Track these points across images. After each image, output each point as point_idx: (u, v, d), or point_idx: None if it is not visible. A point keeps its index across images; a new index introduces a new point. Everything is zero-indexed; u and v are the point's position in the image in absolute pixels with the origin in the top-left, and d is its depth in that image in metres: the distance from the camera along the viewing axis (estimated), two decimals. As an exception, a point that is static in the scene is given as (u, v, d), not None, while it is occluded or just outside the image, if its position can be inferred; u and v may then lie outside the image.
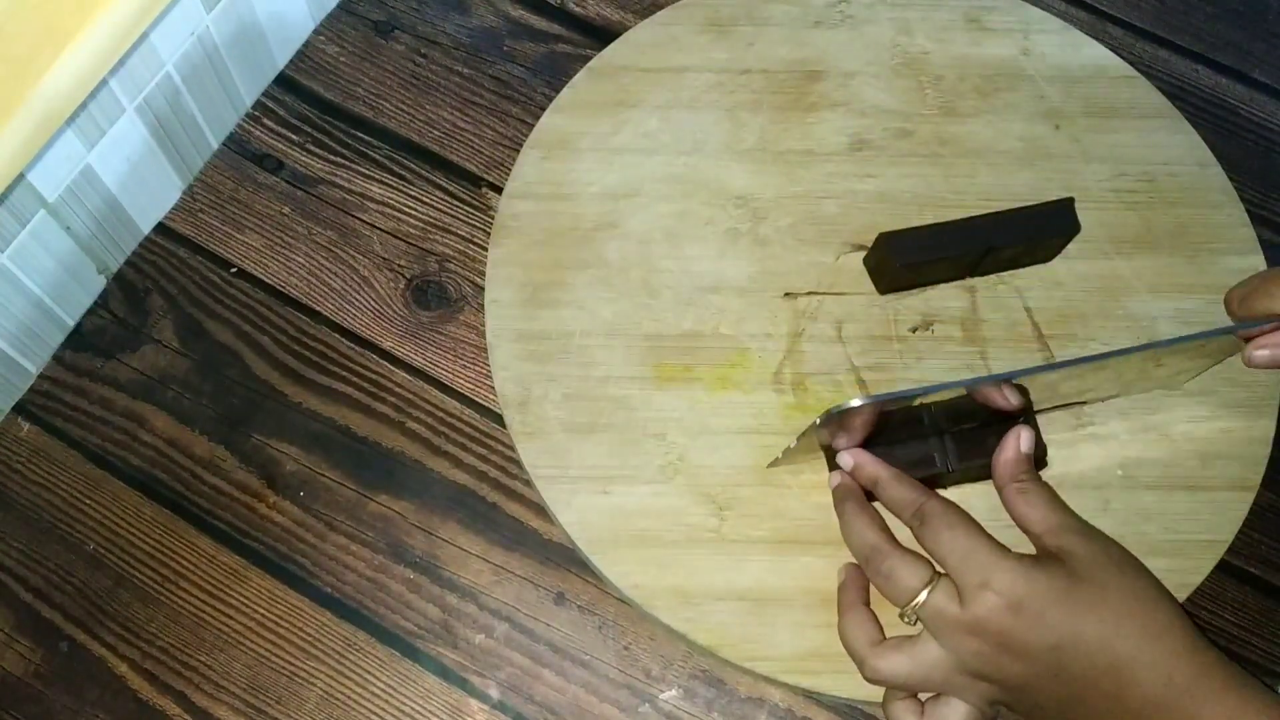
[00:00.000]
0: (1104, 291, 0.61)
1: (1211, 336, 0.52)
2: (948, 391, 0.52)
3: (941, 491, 0.55)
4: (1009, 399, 0.52)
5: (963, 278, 0.61)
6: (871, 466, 0.52)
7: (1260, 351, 0.51)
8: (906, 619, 0.48)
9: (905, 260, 0.57)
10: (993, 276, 0.61)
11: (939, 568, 0.48)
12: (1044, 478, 0.56)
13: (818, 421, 0.50)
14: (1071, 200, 0.59)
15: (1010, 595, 0.46)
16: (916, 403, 0.52)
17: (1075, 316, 0.60)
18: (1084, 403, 0.58)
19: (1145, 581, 0.48)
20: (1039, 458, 0.54)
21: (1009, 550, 0.48)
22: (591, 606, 0.56)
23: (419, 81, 0.69)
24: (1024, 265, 0.61)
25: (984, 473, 0.54)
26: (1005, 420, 0.53)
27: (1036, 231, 0.59)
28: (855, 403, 0.49)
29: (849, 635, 0.50)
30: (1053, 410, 0.58)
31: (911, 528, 0.50)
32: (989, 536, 0.48)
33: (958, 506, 0.50)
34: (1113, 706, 0.45)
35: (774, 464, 0.56)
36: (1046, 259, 0.61)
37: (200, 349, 0.61)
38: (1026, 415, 0.54)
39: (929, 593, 0.47)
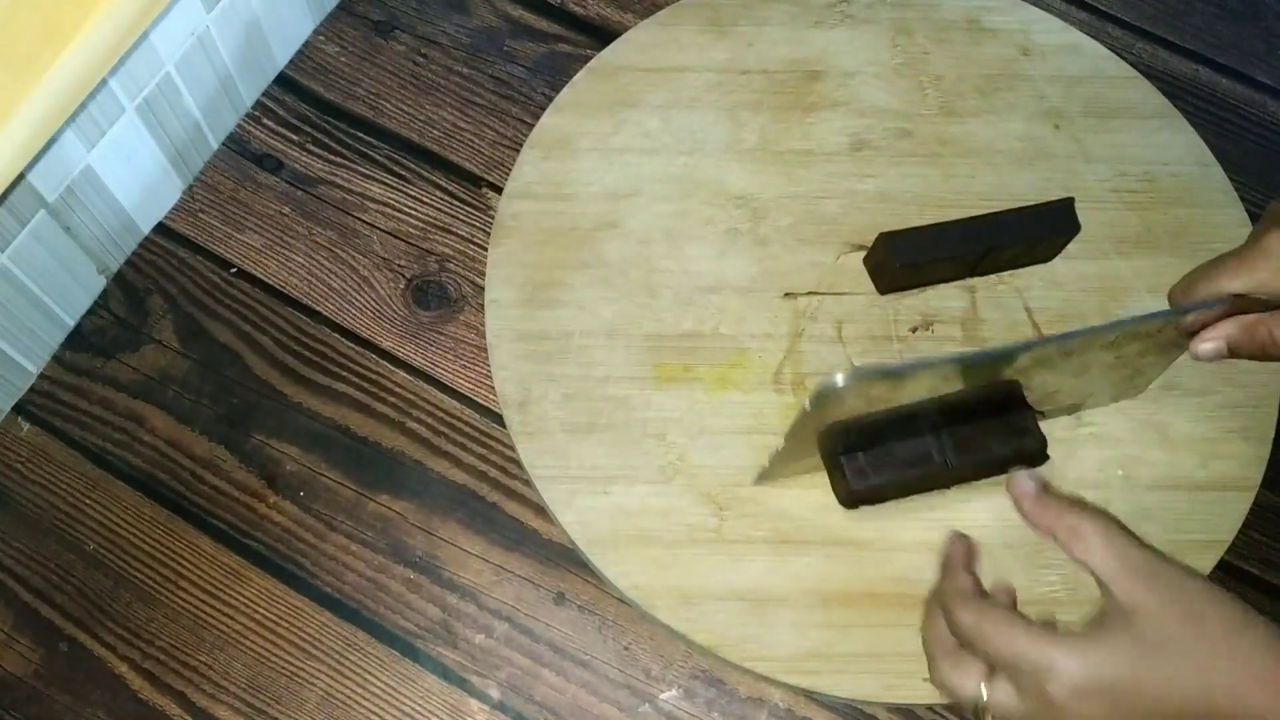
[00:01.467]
0: (1104, 291, 0.61)
1: (1153, 320, 0.51)
2: (944, 389, 0.51)
3: (944, 492, 0.55)
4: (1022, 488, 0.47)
5: (963, 278, 0.61)
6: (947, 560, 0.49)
7: (1205, 345, 0.50)
8: None
9: (905, 260, 0.57)
10: (993, 276, 0.61)
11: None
12: (1043, 478, 0.57)
13: (807, 406, 0.48)
14: (1071, 200, 0.59)
15: (1072, 683, 0.41)
16: (911, 399, 0.52)
17: (1075, 316, 0.60)
18: (1042, 412, 0.56)
19: (1225, 617, 0.42)
20: (1038, 452, 0.54)
21: (1058, 631, 0.43)
22: (591, 606, 0.56)
23: (419, 81, 0.69)
24: (1024, 265, 0.61)
25: (984, 470, 0.54)
26: (1002, 415, 0.53)
27: (1037, 232, 0.59)
28: (839, 379, 0.46)
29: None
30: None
31: (973, 641, 0.45)
32: (1042, 627, 0.43)
33: (1000, 606, 0.45)
34: None
35: (763, 477, 0.55)
36: (1047, 259, 0.61)
37: (200, 349, 0.61)
38: (1023, 409, 0.54)
39: (989, 693, 0.44)
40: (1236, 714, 0.41)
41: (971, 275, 0.61)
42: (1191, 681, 0.41)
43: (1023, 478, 0.47)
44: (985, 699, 0.43)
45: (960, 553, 0.49)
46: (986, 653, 0.44)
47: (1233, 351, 0.51)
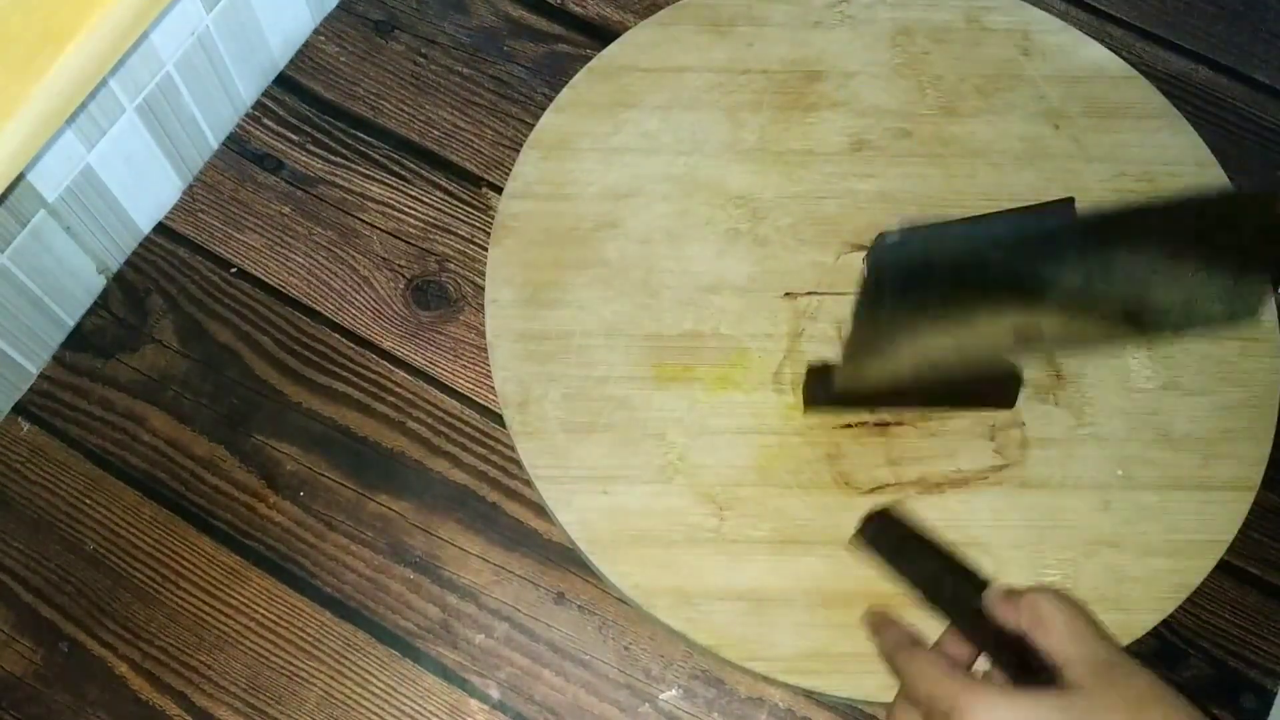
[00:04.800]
0: (1104, 291, 0.61)
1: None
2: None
3: (944, 493, 0.55)
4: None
5: None
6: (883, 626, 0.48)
7: None
8: None
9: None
10: (993, 276, 0.61)
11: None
12: (1041, 478, 0.57)
13: (865, 267, 0.44)
14: (1072, 200, 0.59)
15: None
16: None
17: (1075, 316, 0.60)
18: (1141, 323, 0.52)
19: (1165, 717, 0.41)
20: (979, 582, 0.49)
21: (985, 682, 0.43)
22: (591, 606, 0.56)
23: (419, 81, 0.69)
24: None
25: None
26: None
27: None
28: (894, 234, 0.43)
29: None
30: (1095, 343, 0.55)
31: (889, 664, 0.46)
32: (962, 671, 0.43)
33: (930, 652, 0.45)
34: None
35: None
36: None
37: (200, 349, 0.61)
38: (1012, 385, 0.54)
39: None
40: None
41: None
42: None
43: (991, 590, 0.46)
44: None
45: (881, 615, 0.49)
46: (912, 694, 0.43)
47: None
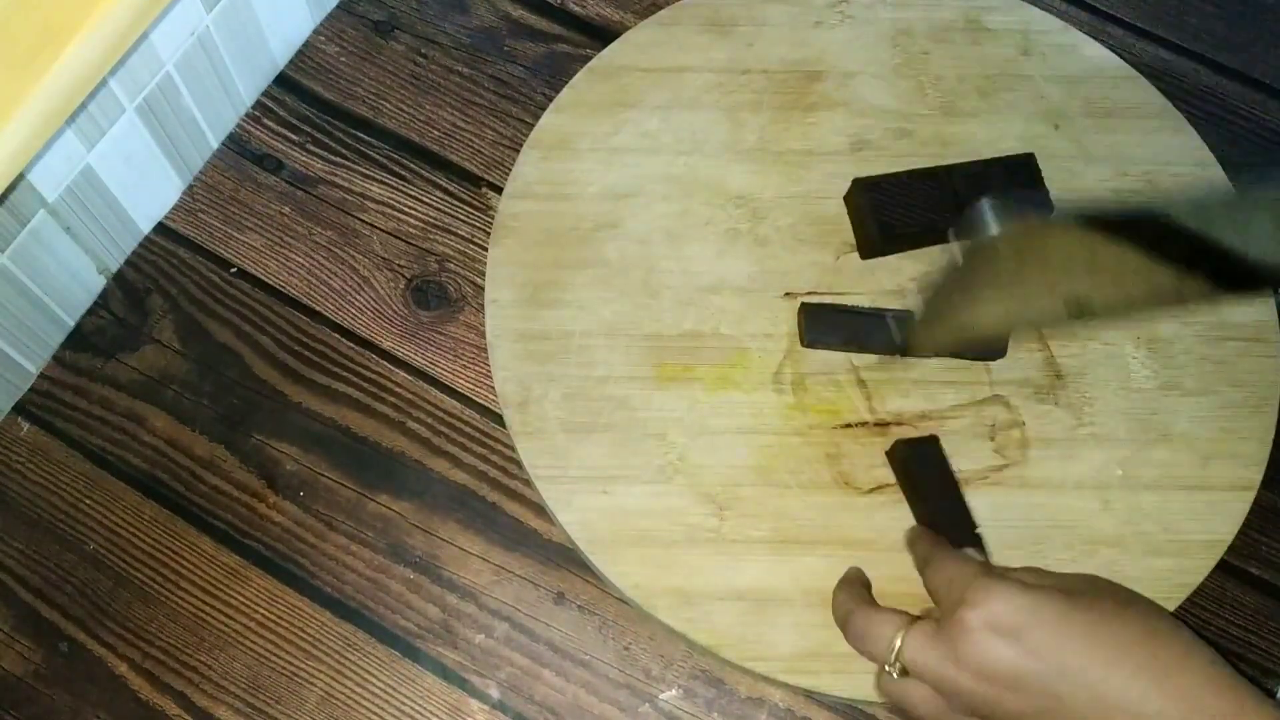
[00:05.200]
0: (1104, 291, 0.61)
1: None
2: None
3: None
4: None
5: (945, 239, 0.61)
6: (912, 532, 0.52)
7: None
8: (890, 672, 0.45)
9: (882, 215, 0.59)
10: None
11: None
12: (1041, 478, 0.57)
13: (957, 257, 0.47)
14: (1032, 155, 0.61)
15: (989, 613, 0.41)
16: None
17: (1075, 316, 0.60)
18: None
19: (1155, 614, 0.43)
20: (973, 531, 0.53)
21: (1008, 573, 0.44)
22: (591, 606, 0.56)
23: (419, 81, 0.69)
24: None
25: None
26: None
27: (1002, 180, 0.60)
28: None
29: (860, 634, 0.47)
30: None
31: (921, 576, 0.48)
32: (990, 566, 0.44)
33: (964, 552, 0.47)
34: None
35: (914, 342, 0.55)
36: None
37: (200, 349, 0.61)
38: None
39: (903, 637, 0.44)
40: (1131, 700, 0.40)
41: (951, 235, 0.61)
42: (1105, 656, 0.40)
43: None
44: (900, 643, 0.44)
45: (916, 531, 0.53)
46: (932, 586, 0.46)
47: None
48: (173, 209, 0.65)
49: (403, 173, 0.66)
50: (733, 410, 0.58)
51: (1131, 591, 0.46)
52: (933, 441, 0.54)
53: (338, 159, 0.66)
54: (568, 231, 0.62)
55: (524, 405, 0.58)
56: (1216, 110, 0.69)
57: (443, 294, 0.63)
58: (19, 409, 0.59)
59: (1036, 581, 0.44)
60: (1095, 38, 0.69)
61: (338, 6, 0.71)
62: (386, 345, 0.61)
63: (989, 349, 0.58)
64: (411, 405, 0.60)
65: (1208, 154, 0.65)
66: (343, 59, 0.69)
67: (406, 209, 0.65)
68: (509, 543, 0.57)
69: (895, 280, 0.61)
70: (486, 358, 0.60)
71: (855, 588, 0.51)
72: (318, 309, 0.62)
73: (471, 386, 0.61)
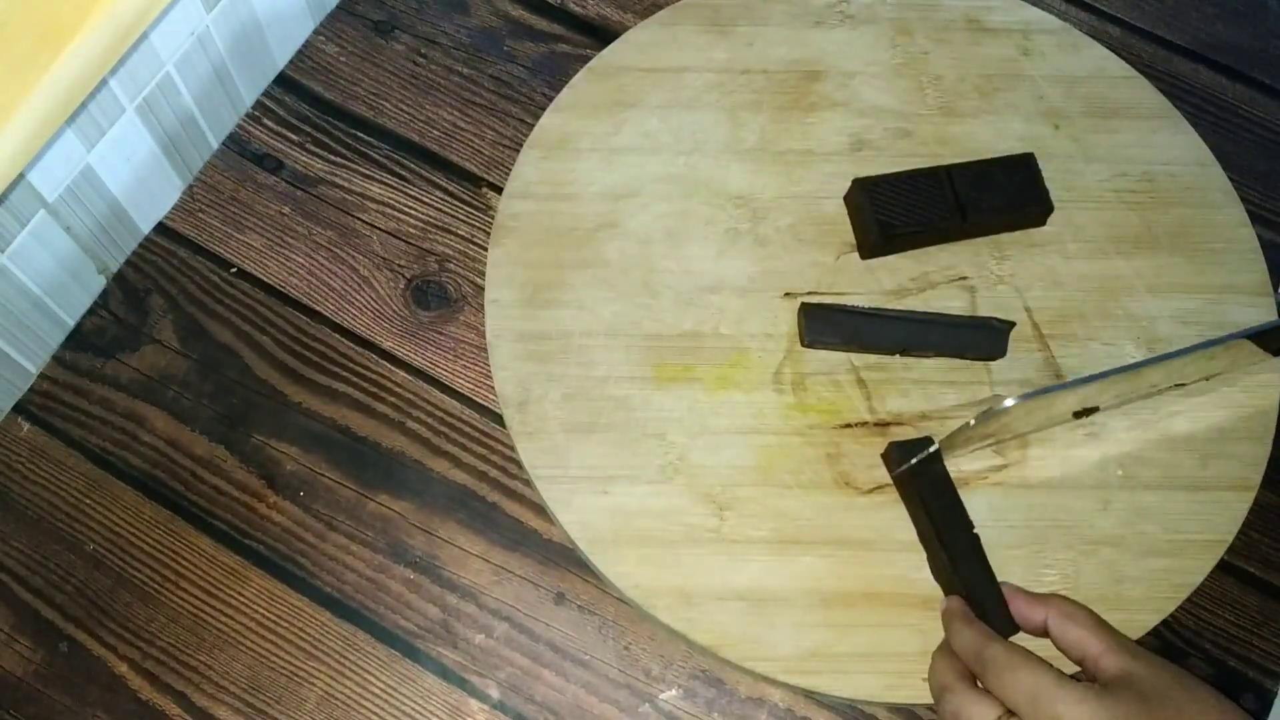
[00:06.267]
0: (1104, 291, 0.61)
1: (1220, 343, 0.52)
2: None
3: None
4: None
5: (947, 239, 0.61)
6: (947, 610, 0.52)
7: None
8: None
9: (883, 214, 0.60)
10: (993, 276, 0.61)
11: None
12: (1041, 478, 0.57)
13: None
14: (1032, 155, 0.62)
15: None
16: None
17: (1075, 316, 0.60)
18: (1093, 410, 0.57)
19: (1214, 698, 0.45)
20: (970, 531, 0.54)
21: (1076, 682, 0.45)
22: (591, 606, 0.56)
23: (419, 81, 0.69)
24: (1010, 230, 0.62)
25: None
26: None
27: (1001, 181, 0.61)
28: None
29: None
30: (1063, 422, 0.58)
31: (978, 676, 0.48)
32: (1056, 671, 0.45)
33: (1022, 648, 0.47)
34: None
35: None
36: (1033, 224, 0.62)
37: (200, 349, 0.61)
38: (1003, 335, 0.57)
39: None
40: None
41: (956, 238, 0.61)
42: None
43: (1015, 594, 0.51)
44: None
45: (960, 605, 0.52)
46: (1007, 699, 0.46)
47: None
48: (173, 209, 0.65)
49: (403, 173, 0.66)
50: (733, 410, 0.58)
51: (1187, 674, 0.46)
52: (928, 442, 0.54)
53: (338, 159, 0.66)
54: (568, 231, 0.62)
55: (524, 405, 0.58)
56: (1216, 110, 0.69)
57: (443, 294, 0.63)
58: (19, 409, 0.59)
59: (1115, 679, 0.45)
60: (1095, 38, 0.69)
61: (338, 6, 0.71)
62: (386, 345, 0.61)
63: (989, 348, 0.58)
64: (411, 405, 0.60)
65: (1208, 154, 0.65)
66: (343, 59, 0.69)
67: (406, 209, 0.65)
68: (509, 543, 0.57)
69: (895, 280, 0.61)
70: (486, 358, 0.60)
71: (955, 662, 0.49)
72: (318, 309, 0.62)
73: (471, 386, 0.61)
